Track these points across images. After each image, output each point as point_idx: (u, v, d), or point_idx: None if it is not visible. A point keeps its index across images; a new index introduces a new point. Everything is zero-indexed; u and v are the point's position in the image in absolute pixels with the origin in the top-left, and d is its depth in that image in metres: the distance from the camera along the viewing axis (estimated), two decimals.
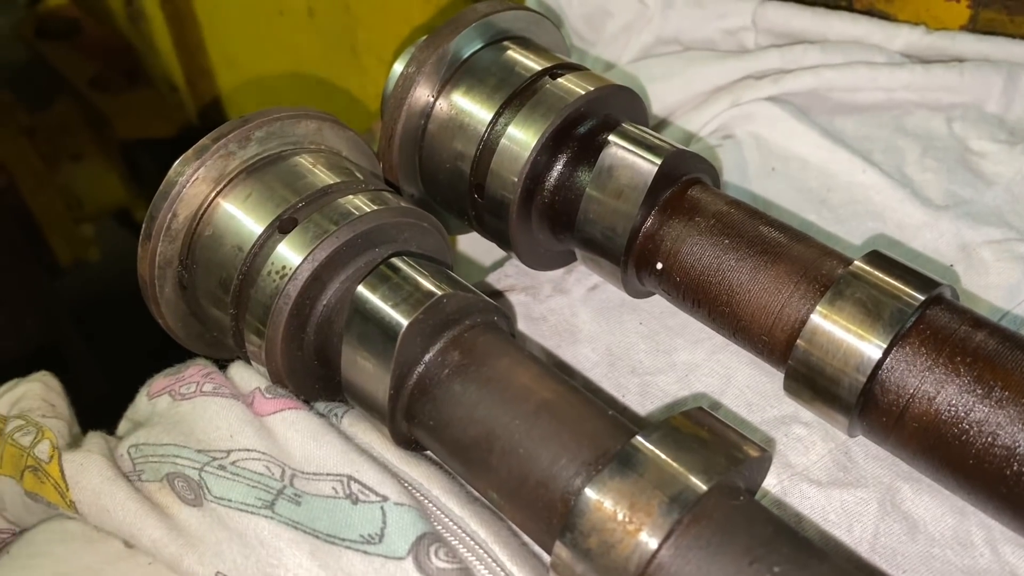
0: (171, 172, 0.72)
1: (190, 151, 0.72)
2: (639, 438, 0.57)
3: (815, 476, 0.70)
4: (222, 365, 0.77)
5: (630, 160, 0.75)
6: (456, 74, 0.83)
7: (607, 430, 0.60)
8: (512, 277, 0.90)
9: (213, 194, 0.72)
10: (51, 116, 2.89)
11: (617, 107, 0.82)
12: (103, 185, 2.84)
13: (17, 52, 3.06)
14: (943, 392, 0.61)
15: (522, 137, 0.78)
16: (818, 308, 0.66)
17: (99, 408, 0.80)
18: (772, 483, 0.70)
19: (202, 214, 0.72)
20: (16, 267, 2.44)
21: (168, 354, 0.80)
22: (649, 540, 0.53)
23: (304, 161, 0.75)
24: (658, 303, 0.84)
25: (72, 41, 2.95)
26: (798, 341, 0.66)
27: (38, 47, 2.98)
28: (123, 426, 0.78)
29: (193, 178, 0.71)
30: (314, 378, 0.73)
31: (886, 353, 0.63)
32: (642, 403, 0.78)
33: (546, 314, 0.86)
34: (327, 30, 1.73)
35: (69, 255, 2.76)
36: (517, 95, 0.80)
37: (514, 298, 0.88)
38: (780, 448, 0.72)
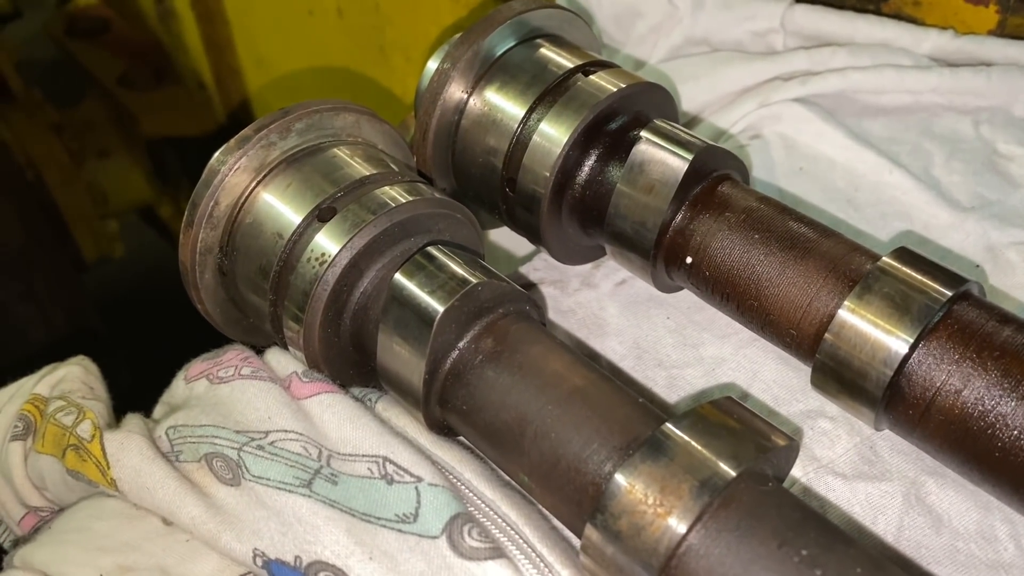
0: (213, 161, 0.74)
1: (232, 141, 0.74)
2: (669, 425, 0.59)
3: (840, 469, 0.71)
4: (258, 351, 0.79)
5: (661, 156, 0.77)
6: (490, 71, 0.85)
7: (638, 417, 0.62)
8: (541, 271, 0.92)
9: (254, 183, 0.74)
10: (79, 113, 2.93)
11: (648, 104, 0.83)
12: (129, 182, 2.88)
13: (47, 50, 3.11)
14: (970, 386, 0.62)
15: (554, 133, 0.80)
16: (846, 303, 0.67)
17: (124, 399, 0.82)
18: (798, 475, 0.71)
19: (243, 202, 0.74)
20: (43, 261, 2.47)
21: (191, 347, 0.82)
22: (679, 523, 0.54)
23: (342, 153, 0.77)
24: (685, 298, 0.85)
25: (101, 39, 3.00)
26: (826, 335, 0.67)
27: (68, 45, 3.03)
28: (159, 409, 0.79)
29: (235, 167, 0.73)
30: (349, 364, 0.74)
31: (913, 347, 0.64)
32: (669, 396, 0.79)
33: (574, 307, 0.88)
34: (356, 30, 1.75)
35: (94, 250, 2.80)
36: (549, 92, 0.82)
37: (543, 291, 0.90)
38: (806, 441, 0.73)
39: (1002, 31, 1.02)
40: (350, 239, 0.69)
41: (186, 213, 0.74)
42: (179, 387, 0.78)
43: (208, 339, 0.83)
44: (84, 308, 2.52)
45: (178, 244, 0.76)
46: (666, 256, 0.78)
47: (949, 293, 0.65)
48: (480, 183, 0.86)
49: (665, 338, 0.83)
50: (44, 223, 2.60)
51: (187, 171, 2.78)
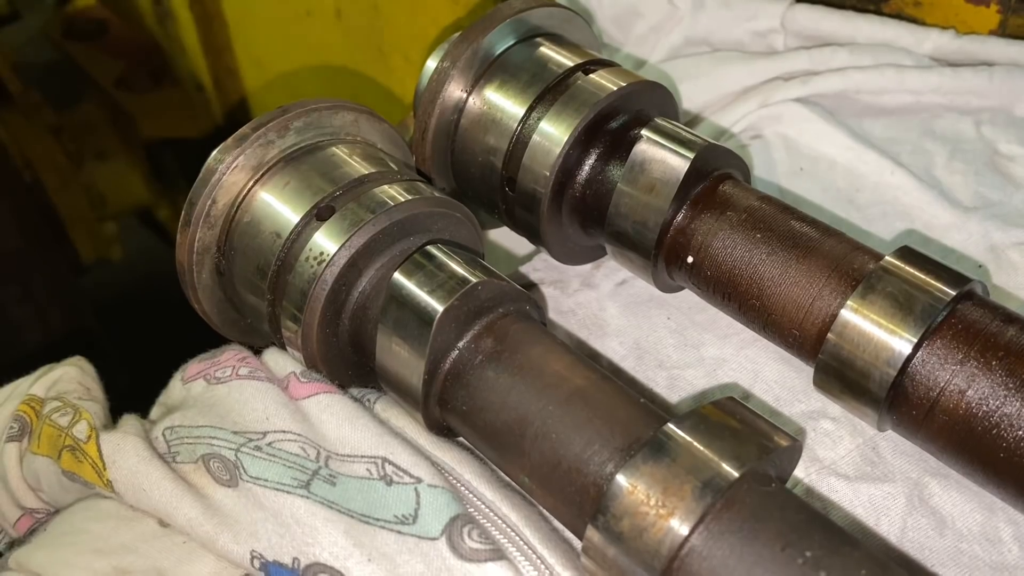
0: (211, 160, 0.73)
1: (230, 139, 0.73)
2: (671, 425, 0.58)
3: (843, 470, 0.71)
4: (256, 351, 0.78)
5: (662, 155, 0.76)
6: (489, 70, 0.84)
7: (639, 417, 0.61)
8: (541, 271, 0.91)
9: (252, 182, 0.74)
10: (77, 115, 2.92)
11: (649, 103, 0.83)
12: (127, 184, 2.87)
13: (45, 52, 3.10)
14: (974, 386, 0.61)
15: (554, 132, 0.79)
16: (849, 302, 0.66)
17: (121, 400, 0.81)
18: (800, 476, 0.71)
19: (241, 201, 0.74)
20: (41, 263, 2.47)
21: (188, 348, 0.81)
22: (682, 524, 0.53)
23: (340, 151, 0.76)
24: (686, 298, 0.85)
25: (99, 41, 2.99)
26: (829, 335, 0.67)
27: (65, 47, 3.02)
28: (156, 410, 0.79)
29: (232, 166, 0.73)
30: (348, 364, 0.74)
31: (917, 347, 0.63)
32: (670, 396, 0.79)
33: (574, 308, 0.87)
34: (355, 30, 1.74)
35: (92, 252, 2.80)
36: (550, 91, 0.81)
37: (543, 291, 0.89)
38: (808, 442, 0.73)
39: (1003, 31, 1.01)
40: (349, 238, 0.69)
41: (183, 212, 0.74)
42: (176, 388, 0.78)
43: (205, 339, 0.82)
44: (82, 310, 2.51)
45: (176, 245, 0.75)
46: (667, 256, 0.78)
47: (953, 292, 0.64)
48: (480, 182, 0.85)
49: (666, 338, 0.83)
50: (42, 225, 2.60)
51: (185, 173, 2.77)
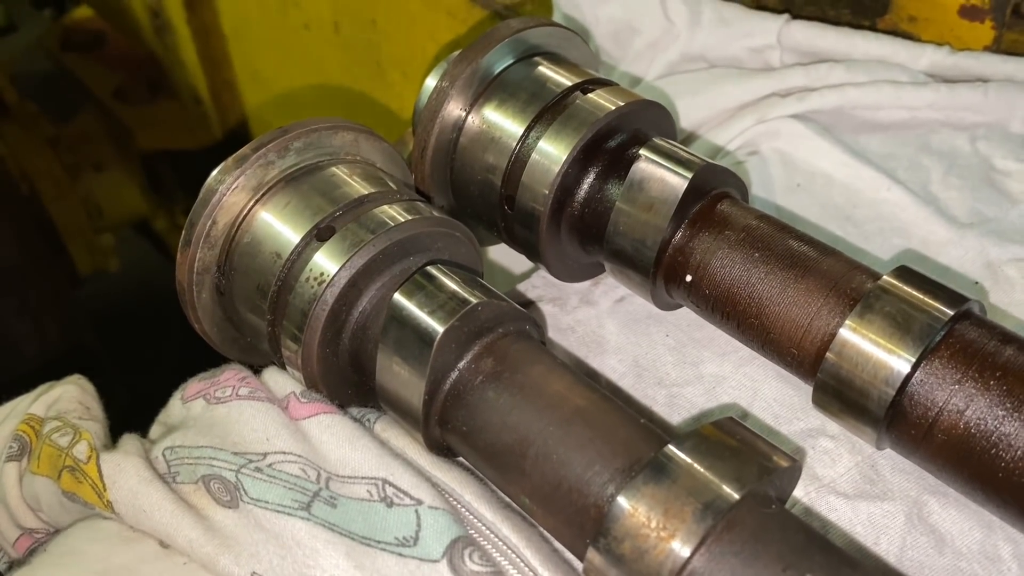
0: (211, 180, 0.73)
1: (230, 160, 0.74)
2: (671, 447, 0.58)
3: (842, 489, 0.71)
4: (256, 371, 0.78)
5: (660, 174, 0.76)
6: (488, 89, 0.85)
7: (640, 438, 0.61)
8: (540, 288, 0.91)
9: (252, 202, 0.74)
10: (74, 127, 2.92)
11: (647, 122, 0.83)
12: (124, 196, 2.87)
13: (42, 64, 3.10)
14: (972, 406, 0.62)
15: (553, 151, 0.79)
16: (847, 321, 0.66)
17: (119, 418, 0.81)
18: (799, 495, 0.71)
19: (241, 222, 0.74)
20: (39, 276, 2.46)
21: (187, 364, 0.81)
22: (683, 546, 0.54)
23: (340, 171, 0.76)
24: (684, 316, 0.85)
25: (96, 53, 2.99)
26: (828, 354, 0.67)
27: (63, 59, 3.02)
28: (156, 430, 0.79)
29: (233, 186, 0.73)
30: (348, 384, 0.74)
31: (915, 367, 0.64)
32: (669, 415, 0.79)
33: (573, 325, 0.87)
34: (353, 45, 1.75)
35: (89, 265, 2.79)
36: (548, 110, 0.82)
37: (542, 309, 0.89)
38: (807, 460, 0.73)
39: (998, 47, 1.02)
40: (349, 258, 0.69)
41: (183, 232, 0.74)
42: (176, 407, 0.78)
43: (205, 356, 0.82)
44: (79, 323, 2.51)
45: (174, 257, 0.75)
46: (666, 274, 0.78)
47: (950, 312, 0.64)
48: (479, 201, 0.86)
49: (665, 356, 0.83)
50: (39, 237, 2.60)
51: (182, 184, 2.77)
